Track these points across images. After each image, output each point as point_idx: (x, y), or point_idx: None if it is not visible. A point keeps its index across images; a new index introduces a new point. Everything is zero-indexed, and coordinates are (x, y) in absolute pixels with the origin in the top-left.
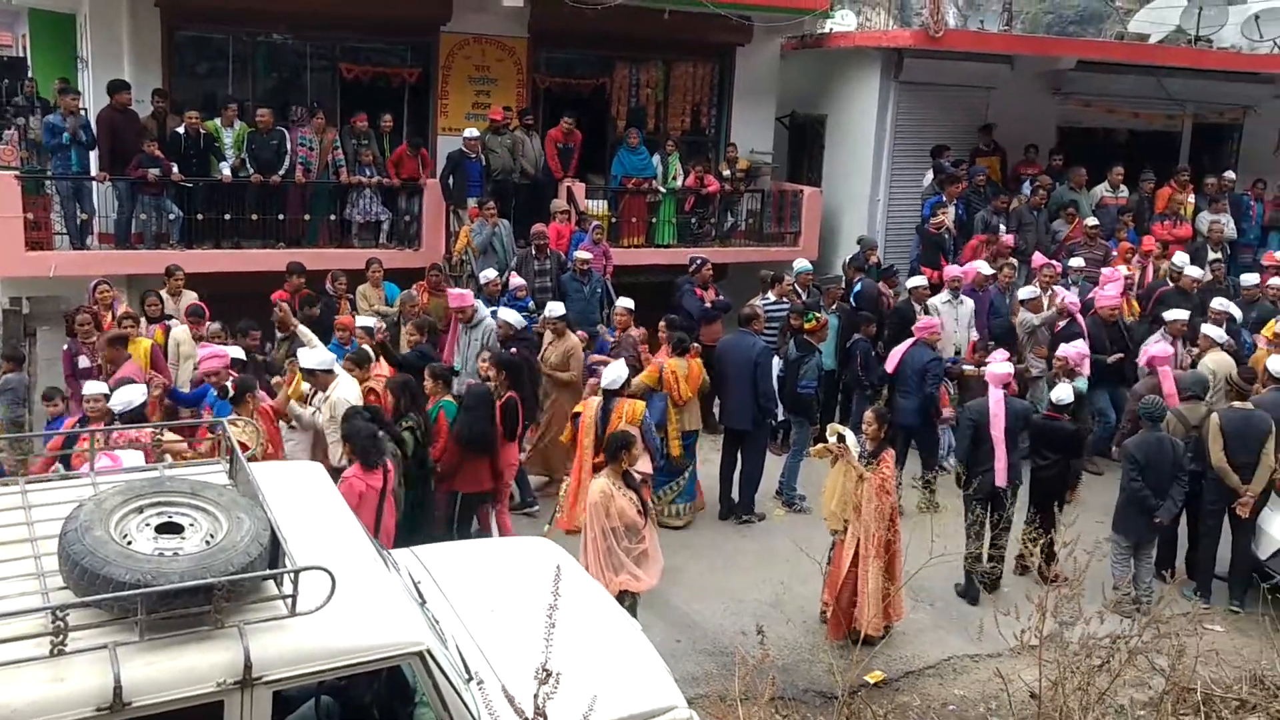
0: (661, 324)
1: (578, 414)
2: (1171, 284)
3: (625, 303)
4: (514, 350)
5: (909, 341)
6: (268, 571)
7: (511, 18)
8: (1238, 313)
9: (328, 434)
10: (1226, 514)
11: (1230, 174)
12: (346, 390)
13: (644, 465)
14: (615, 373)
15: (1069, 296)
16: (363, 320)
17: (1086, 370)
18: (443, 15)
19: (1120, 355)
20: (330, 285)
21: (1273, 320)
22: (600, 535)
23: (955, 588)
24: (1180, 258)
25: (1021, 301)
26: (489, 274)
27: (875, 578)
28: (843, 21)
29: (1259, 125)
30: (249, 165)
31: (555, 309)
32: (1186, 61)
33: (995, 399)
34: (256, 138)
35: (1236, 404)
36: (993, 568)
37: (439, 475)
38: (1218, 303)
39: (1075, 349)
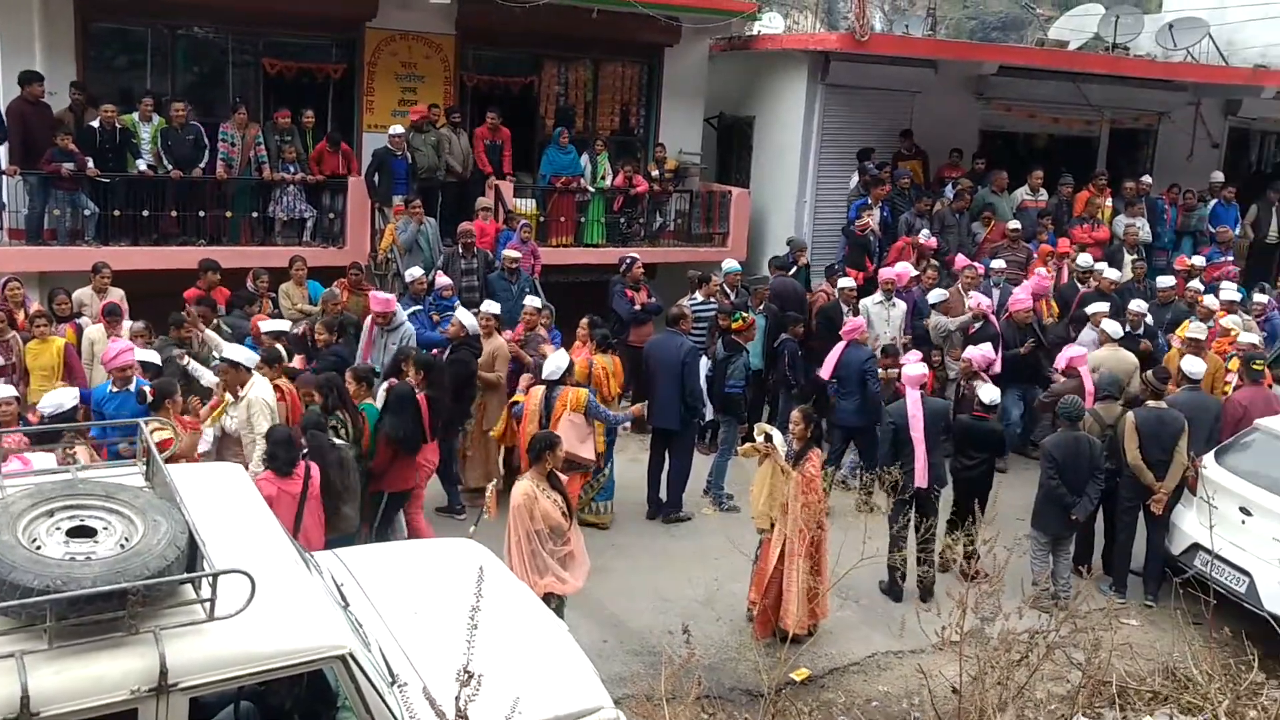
0: (583, 322)
1: (516, 403)
2: (1080, 285)
3: (533, 301)
4: (435, 351)
5: (842, 344)
6: (185, 575)
7: (439, 14)
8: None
9: (244, 435)
10: (1141, 511)
11: (1147, 178)
12: (262, 390)
13: (586, 452)
14: (556, 362)
15: (982, 300)
16: (270, 325)
17: (997, 370)
18: (368, 11)
19: (1033, 341)
20: (251, 283)
21: (1186, 321)
22: (524, 538)
23: (880, 585)
24: (1085, 259)
25: (933, 305)
26: (415, 272)
27: (801, 576)
28: (770, 24)
29: (1173, 131)
30: (165, 161)
31: (490, 308)
32: (1104, 68)
33: (913, 400)
34: (172, 133)
35: (1151, 403)
36: (925, 572)
37: (370, 477)
38: (1135, 304)
39: (980, 352)
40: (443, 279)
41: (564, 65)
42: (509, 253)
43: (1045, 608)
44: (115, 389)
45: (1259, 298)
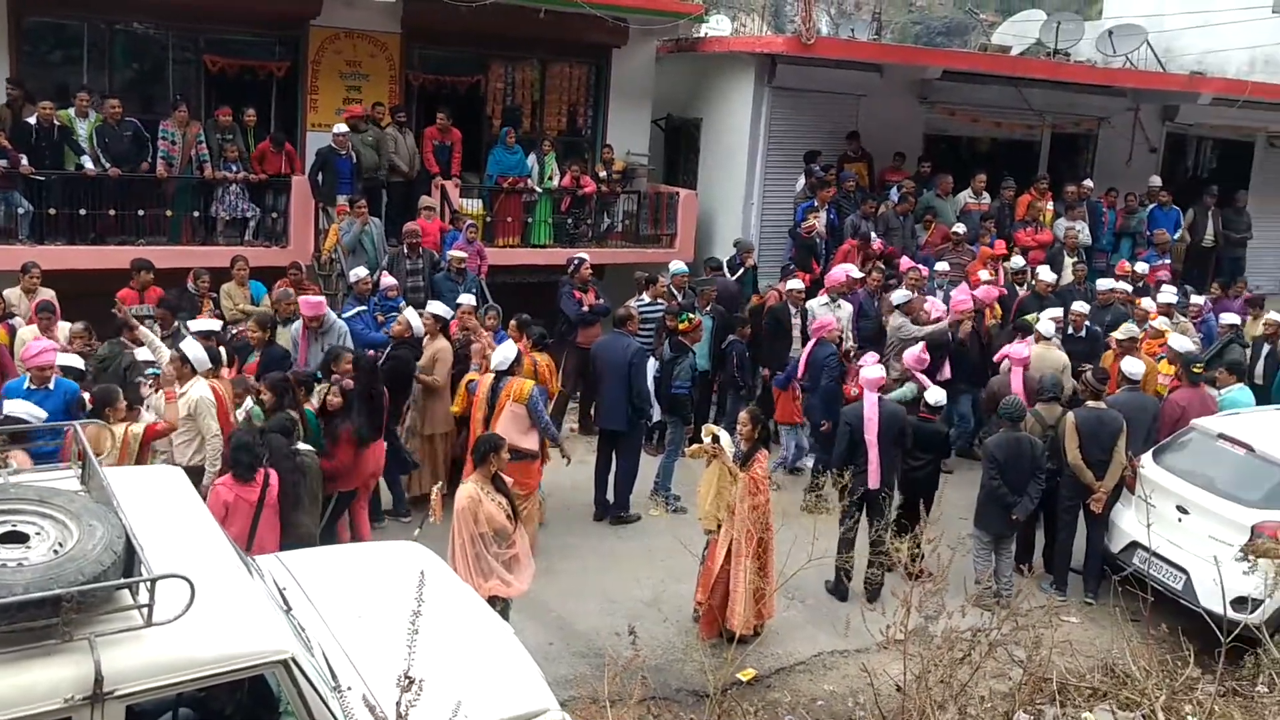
0: (512, 323)
1: (472, 380)
2: (1017, 288)
3: (467, 299)
4: (372, 351)
5: (812, 342)
6: (121, 580)
7: (384, 13)
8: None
9: (179, 432)
10: (1081, 510)
11: (1089, 182)
12: (203, 390)
13: (529, 443)
14: (505, 353)
15: (938, 305)
16: (198, 324)
17: (948, 374)
18: (312, 9)
19: (972, 326)
20: (193, 284)
21: (1125, 323)
22: (469, 541)
23: (825, 584)
24: (1017, 261)
25: (896, 306)
26: (360, 272)
27: (748, 577)
28: (717, 26)
29: (1112, 136)
30: (102, 158)
31: (434, 308)
32: (1045, 74)
33: (870, 403)
34: (108, 130)
35: (1090, 404)
36: (874, 574)
37: (329, 477)
38: (1077, 305)
39: (912, 355)
40: (387, 279)
41: (511, 65)
42: (454, 253)
43: (987, 606)
44: (33, 386)
45: (1195, 299)
